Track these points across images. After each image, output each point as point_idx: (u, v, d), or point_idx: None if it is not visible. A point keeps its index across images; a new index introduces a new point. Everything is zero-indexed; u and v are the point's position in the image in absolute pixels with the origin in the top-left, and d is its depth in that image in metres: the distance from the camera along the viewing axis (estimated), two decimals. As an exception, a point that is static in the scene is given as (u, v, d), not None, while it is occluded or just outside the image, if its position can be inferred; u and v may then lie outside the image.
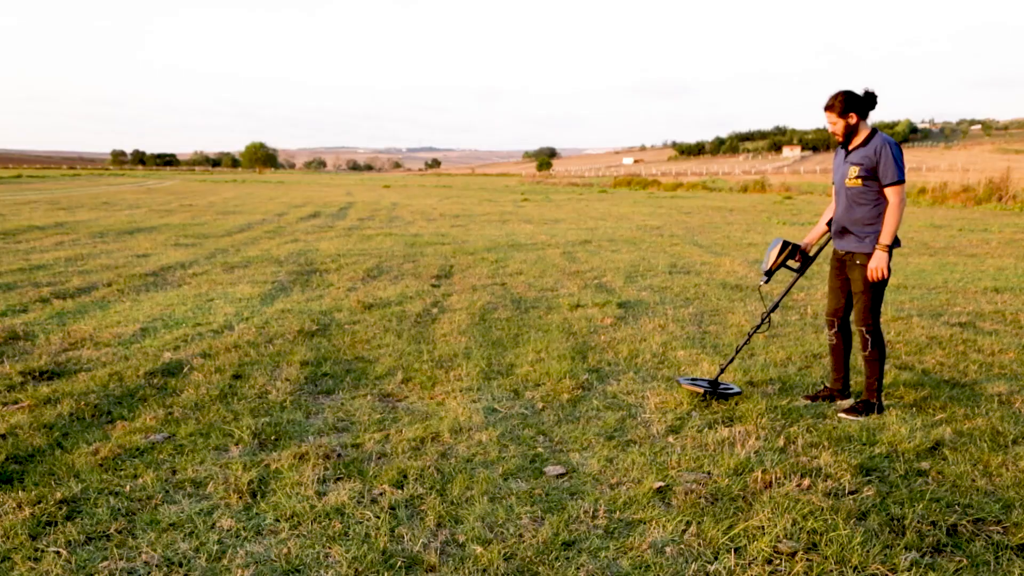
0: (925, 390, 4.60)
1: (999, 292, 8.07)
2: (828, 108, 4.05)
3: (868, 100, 4.01)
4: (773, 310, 4.50)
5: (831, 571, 2.61)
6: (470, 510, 3.03)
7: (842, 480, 3.30)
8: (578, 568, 2.63)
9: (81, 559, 2.65)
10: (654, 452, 3.65)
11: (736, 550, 2.75)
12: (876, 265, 4.04)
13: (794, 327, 6.34)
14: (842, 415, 4.15)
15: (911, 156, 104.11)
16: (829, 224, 4.41)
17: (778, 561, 2.67)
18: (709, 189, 40.27)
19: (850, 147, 4.12)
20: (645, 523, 2.95)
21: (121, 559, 2.65)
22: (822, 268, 9.36)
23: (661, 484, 3.27)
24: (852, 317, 4.26)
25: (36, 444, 3.62)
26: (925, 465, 3.49)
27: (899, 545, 2.77)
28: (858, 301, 4.18)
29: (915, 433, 3.85)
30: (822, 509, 3.02)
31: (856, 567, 2.63)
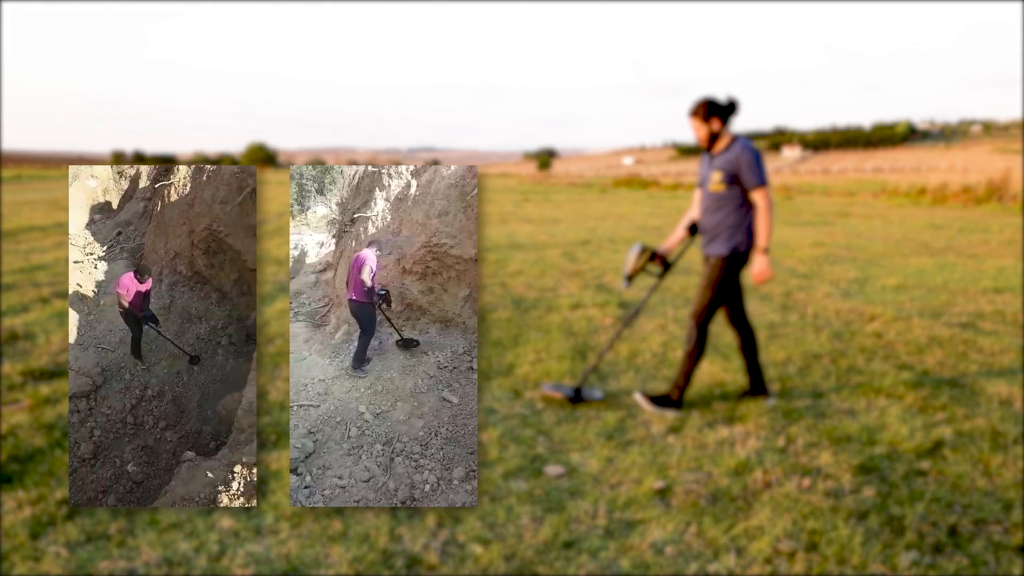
0: (925, 390, 4.60)
1: (999, 292, 8.07)
2: (692, 114, 4.19)
3: (730, 107, 4.16)
4: (634, 315, 4.55)
5: (831, 571, 2.62)
6: (470, 510, 3.03)
7: (842, 480, 3.31)
8: (578, 568, 2.63)
9: (81, 559, 2.65)
10: (654, 452, 3.66)
11: (736, 550, 2.75)
12: (760, 270, 4.15)
13: (794, 327, 6.34)
14: (638, 397, 4.27)
15: (911, 156, 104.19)
16: (689, 230, 4.45)
17: (778, 561, 2.67)
18: (709, 189, 40.21)
19: (714, 153, 4.24)
20: (645, 523, 2.95)
21: (121, 559, 2.66)
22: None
23: (661, 484, 3.27)
24: (690, 310, 4.29)
25: (36, 444, 3.63)
26: (925, 465, 3.49)
27: (899, 545, 2.77)
28: (698, 298, 4.23)
29: (915, 433, 3.86)
30: (822, 509, 3.02)
31: (856, 567, 2.63)
